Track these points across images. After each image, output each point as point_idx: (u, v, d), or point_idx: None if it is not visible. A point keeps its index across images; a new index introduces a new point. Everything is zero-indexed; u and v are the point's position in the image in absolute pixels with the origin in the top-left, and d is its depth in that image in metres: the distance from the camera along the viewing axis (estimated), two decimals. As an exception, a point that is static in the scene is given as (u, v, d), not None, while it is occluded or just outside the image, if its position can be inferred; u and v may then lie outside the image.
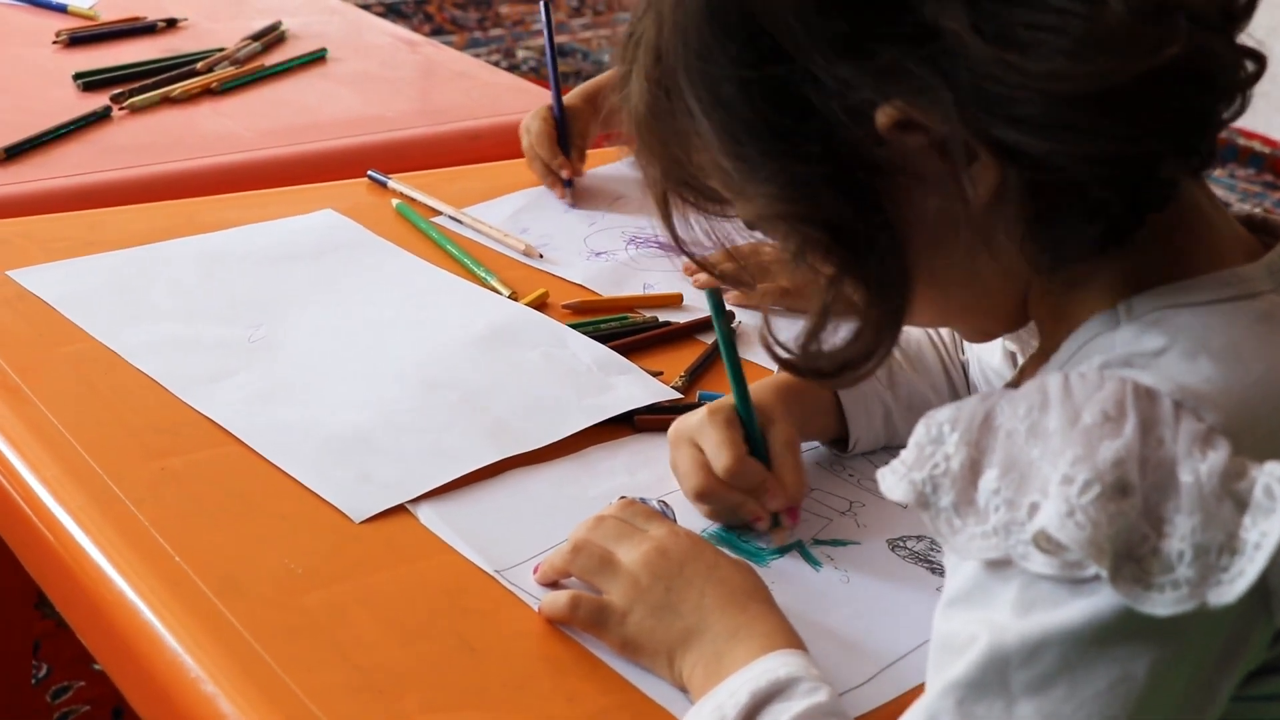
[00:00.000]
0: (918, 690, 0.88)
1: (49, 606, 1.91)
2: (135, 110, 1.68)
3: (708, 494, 0.99)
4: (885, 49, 0.65)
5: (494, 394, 1.13)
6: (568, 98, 1.55)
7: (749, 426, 1.00)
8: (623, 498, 0.97)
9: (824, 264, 0.72)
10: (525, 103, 1.86)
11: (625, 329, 1.27)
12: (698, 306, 1.33)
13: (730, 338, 1.03)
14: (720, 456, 0.97)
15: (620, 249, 1.43)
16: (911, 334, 1.14)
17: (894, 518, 1.04)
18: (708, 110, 0.70)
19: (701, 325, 1.29)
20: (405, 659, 0.86)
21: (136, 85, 1.71)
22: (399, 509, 0.99)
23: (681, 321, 1.29)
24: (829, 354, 0.74)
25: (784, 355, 0.76)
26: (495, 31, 4.46)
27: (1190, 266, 0.71)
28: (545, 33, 1.59)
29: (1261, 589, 0.61)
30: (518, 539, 0.97)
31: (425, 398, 1.11)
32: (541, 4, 1.50)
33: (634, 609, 0.87)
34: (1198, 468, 0.60)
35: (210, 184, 1.53)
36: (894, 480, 0.66)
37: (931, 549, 1.01)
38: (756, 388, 1.04)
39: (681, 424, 1.01)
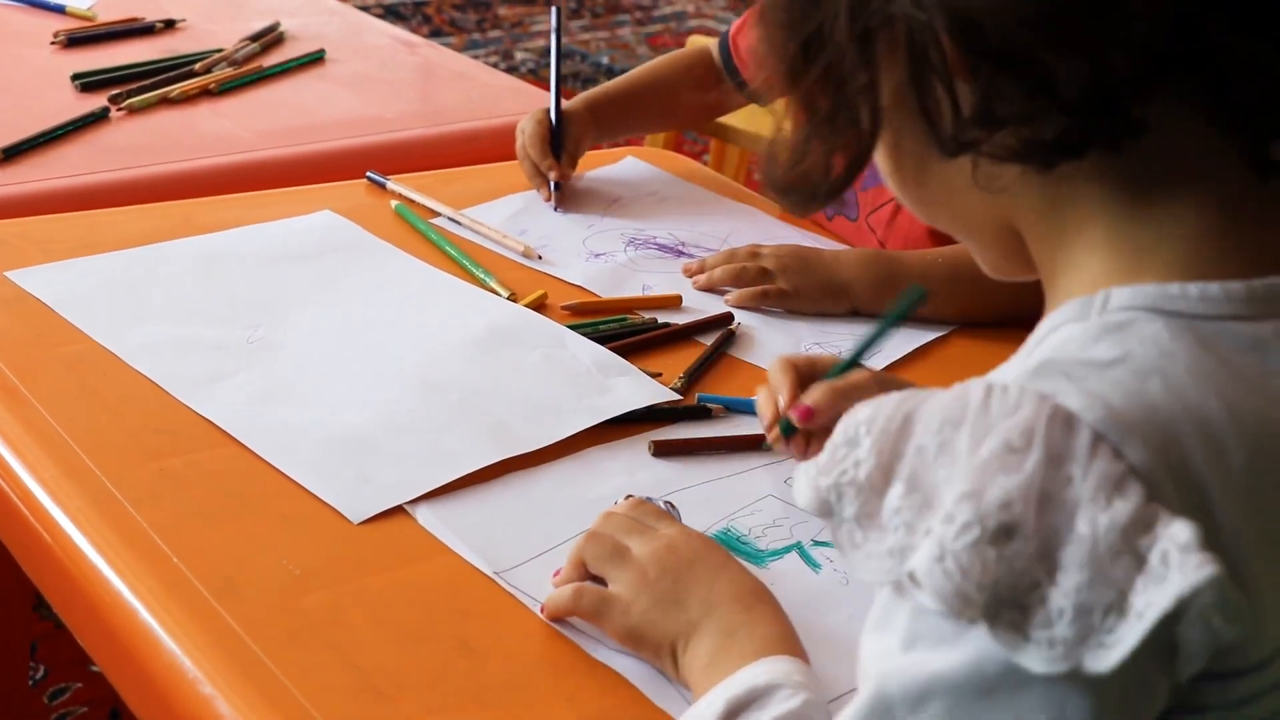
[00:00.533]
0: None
1: (46, 608, 1.90)
2: (133, 111, 1.67)
3: (759, 399, 1.03)
4: None
5: (493, 395, 1.12)
6: (569, 103, 1.54)
7: (840, 368, 1.02)
8: (629, 496, 0.97)
9: (794, 88, 0.68)
10: (524, 104, 1.85)
11: (624, 330, 1.27)
12: (697, 308, 1.33)
13: (893, 321, 1.04)
14: (779, 358, 1.03)
15: (619, 250, 1.43)
16: None
17: None
18: None
19: (700, 327, 1.29)
20: (404, 661, 0.86)
21: (135, 86, 1.71)
22: (397, 510, 0.99)
23: (681, 323, 1.29)
24: (791, 175, 0.70)
25: (766, 170, 0.72)
26: (494, 33, 4.46)
27: (1208, 271, 0.62)
28: (553, 36, 1.56)
29: (1166, 643, 0.55)
30: (516, 541, 0.97)
31: (424, 398, 1.11)
32: (553, 9, 1.49)
33: (639, 599, 0.87)
34: (1097, 518, 0.55)
35: (208, 185, 1.53)
36: (801, 483, 0.61)
37: None
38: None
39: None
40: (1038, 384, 0.58)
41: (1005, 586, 0.54)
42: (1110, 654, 0.54)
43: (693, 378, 1.20)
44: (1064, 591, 0.54)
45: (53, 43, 1.85)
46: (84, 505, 0.97)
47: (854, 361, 1.03)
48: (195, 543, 0.94)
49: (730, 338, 1.28)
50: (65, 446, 1.02)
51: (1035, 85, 0.60)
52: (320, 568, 0.93)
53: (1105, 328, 0.61)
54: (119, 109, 1.67)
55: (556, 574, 0.93)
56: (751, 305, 1.33)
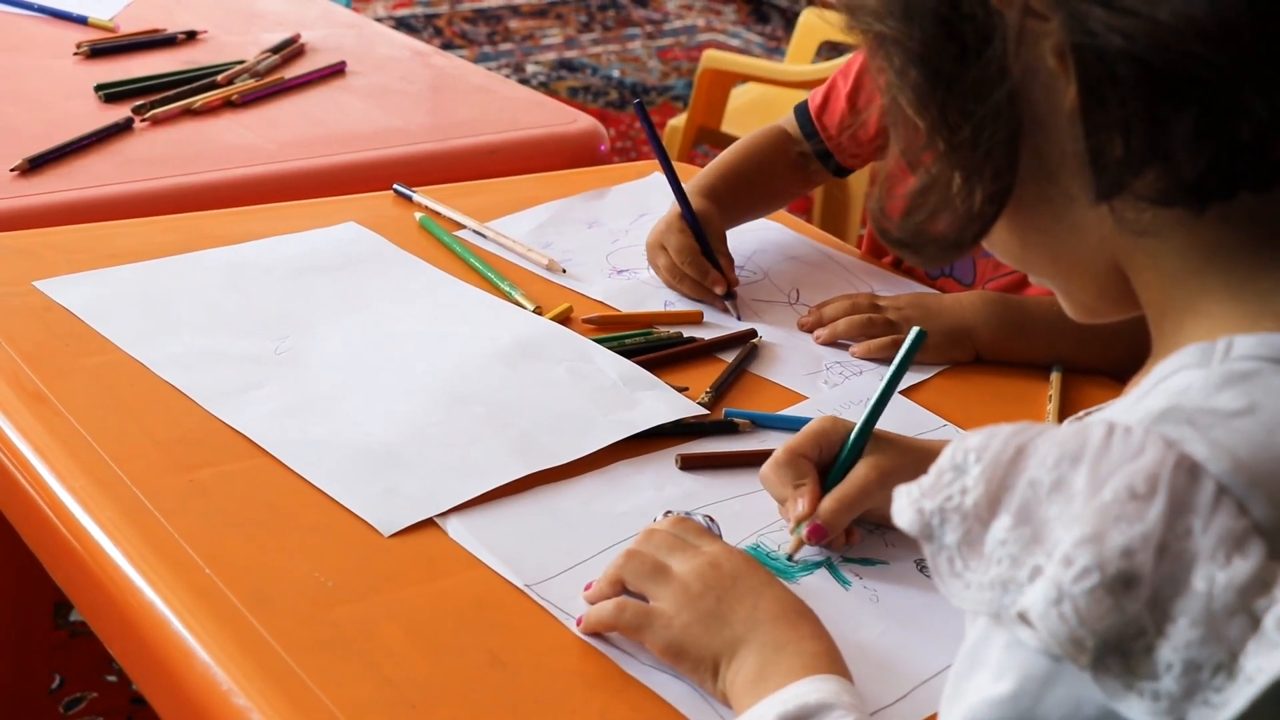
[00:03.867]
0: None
1: (63, 616, 1.91)
2: (157, 122, 1.68)
3: (764, 475, 1.04)
4: None
5: (520, 408, 1.13)
6: (693, 203, 1.39)
7: (849, 445, 1.02)
8: (669, 513, 0.97)
9: (926, 128, 0.65)
10: (541, 117, 1.87)
11: (649, 345, 1.27)
12: (718, 324, 1.33)
13: (901, 370, 1.04)
14: (783, 445, 1.02)
15: (642, 267, 1.43)
16: None
17: None
18: None
19: (724, 343, 1.29)
20: (436, 673, 0.86)
21: (158, 97, 1.71)
22: (426, 523, 0.99)
23: (706, 339, 1.29)
24: (913, 225, 0.67)
25: (880, 220, 0.70)
26: (505, 46, 4.47)
27: None
28: (648, 135, 1.39)
29: (1273, 709, 0.54)
30: (547, 554, 0.97)
31: (451, 411, 1.11)
32: (635, 103, 1.44)
33: (681, 614, 0.87)
34: (1214, 575, 0.53)
35: (232, 196, 1.54)
36: (904, 503, 0.60)
37: None
38: (918, 440, 1.07)
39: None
40: (1161, 429, 0.56)
41: (1114, 633, 0.54)
42: (1216, 714, 0.53)
43: (719, 392, 1.20)
44: (1174, 645, 0.54)
45: (76, 54, 1.85)
46: (115, 515, 0.97)
47: (868, 428, 1.02)
48: (226, 554, 0.94)
49: (753, 353, 1.28)
50: (95, 456, 1.02)
51: (1213, 122, 0.58)
52: (351, 579, 0.93)
53: (1229, 377, 0.59)
54: (142, 120, 1.67)
55: (588, 587, 0.93)
56: (879, 357, 1.30)
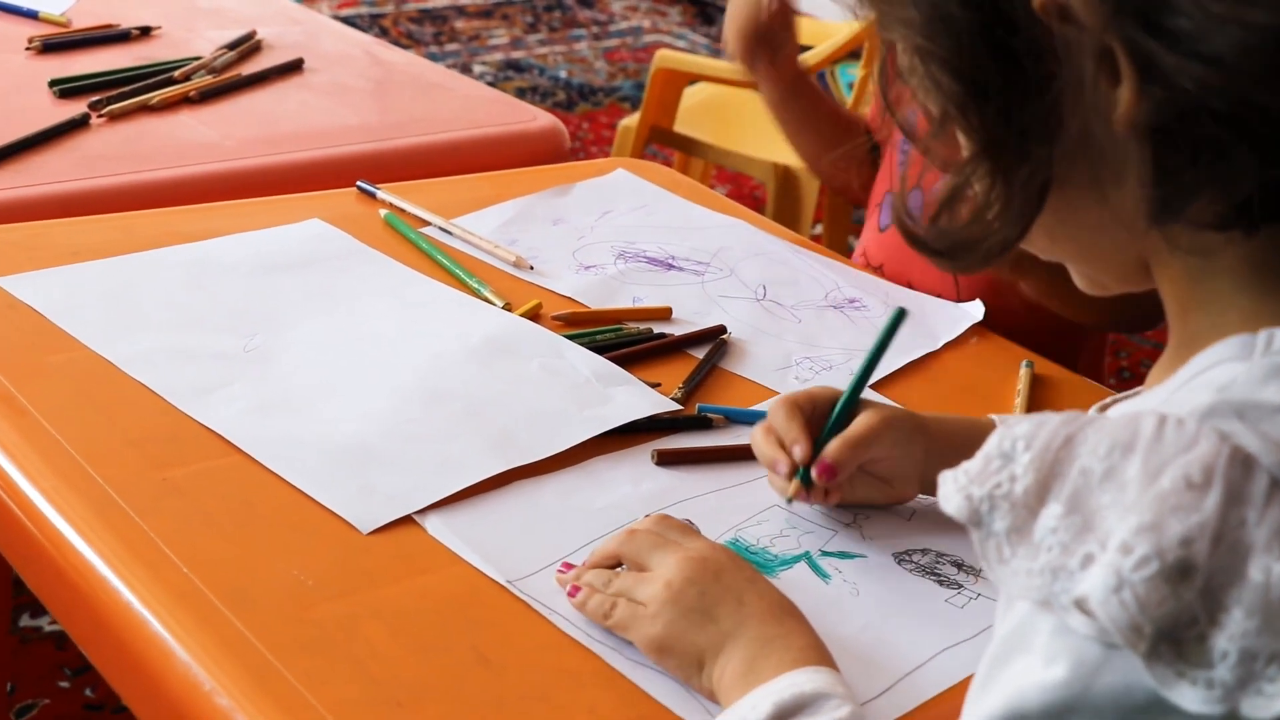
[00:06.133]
0: (934, 702, 0.89)
1: (13, 622, 1.88)
2: (114, 118, 1.65)
3: (757, 432, 1.04)
4: None
5: (495, 404, 1.12)
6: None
7: (840, 407, 1.03)
8: (648, 515, 0.97)
9: (964, 134, 0.65)
10: (501, 114, 1.86)
11: (619, 341, 1.27)
12: (687, 320, 1.33)
13: (883, 346, 1.06)
14: (776, 399, 1.04)
15: (609, 263, 1.43)
16: None
17: (899, 531, 1.05)
18: None
19: (694, 339, 1.29)
20: (422, 671, 0.86)
21: (115, 93, 1.69)
22: (404, 520, 0.99)
23: (676, 334, 1.29)
24: (948, 231, 0.68)
25: (909, 225, 0.70)
26: (451, 46, 4.45)
27: None
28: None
29: None
30: (528, 550, 0.97)
31: (427, 408, 1.10)
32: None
33: (665, 611, 0.87)
34: (1271, 567, 0.55)
35: (193, 193, 1.52)
36: (950, 490, 0.61)
37: (937, 562, 1.01)
38: (928, 415, 1.07)
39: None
40: (1212, 421, 0.57)
41: (1169, 621, 0.55)
42: (1271, 704, 0.54)
43: (691, 388, 1.20)
44: (1229, 635, 0.55)
45: (28, 48, 1.82)
46: (88, 515, 0.95)
47: (854, 396, 1.04)
48: (204, 553, 0.93)
49: (722, 349, 1.28)
50: (65, 455, 1.01)
51: (1273, 150, 0.59)
52: (331, 578, 0.92)
53: (1273, 370, 0.60)
54: (100, 115, 1.65)
55: (563, 569, 0.94)
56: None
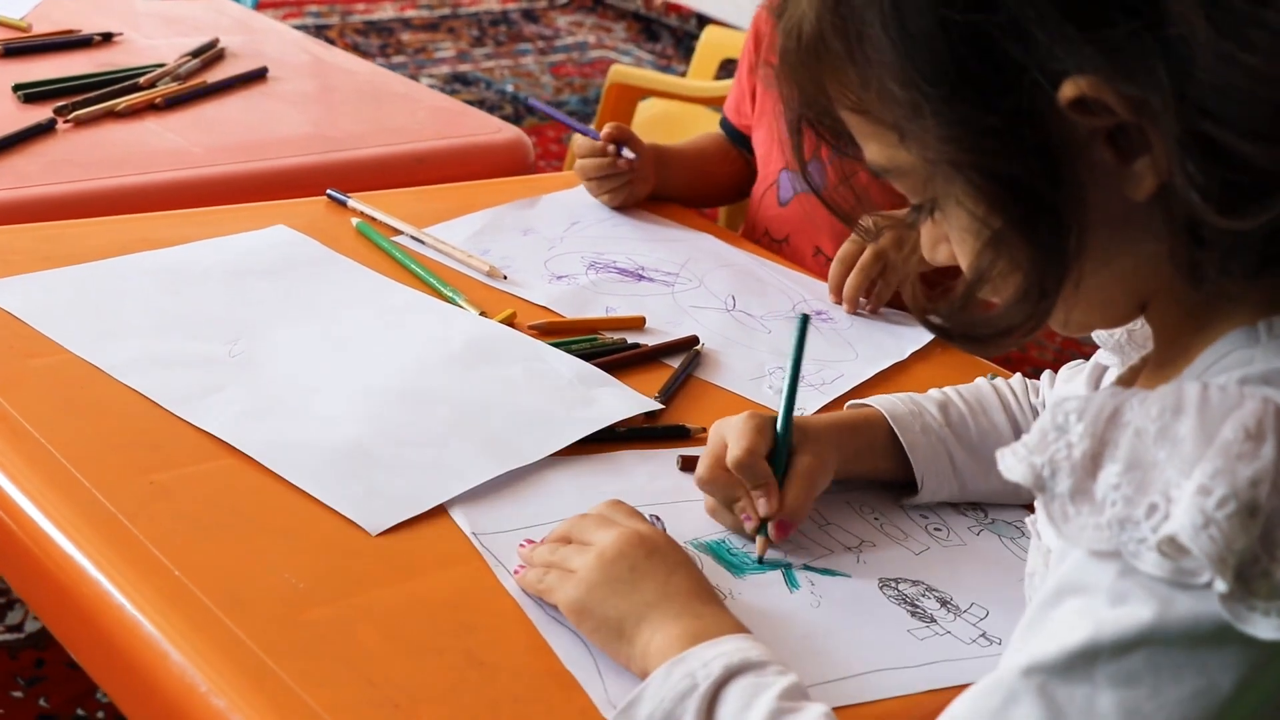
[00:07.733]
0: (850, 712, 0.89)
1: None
2: (80, 123, 1.65)
3: (712, 479, 1.03)
4: (1120, 20, 0.63)
5: (485, 408, 1.13)
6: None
7: (780, 439, 1.03)
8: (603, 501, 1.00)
9: (991, 217, 0.69)
10: (466, 126, 1.86)
11: (595, 350, 1.28)
12: (660, 330, 1.35)
13: (800, 356, 1.07)
14: (736, 446, 1.02)
15: (580, 273, 1.44)
16: (981, 385, 1.17)
17: (897, 561, 1.05)
18: (895, 40, 0.67)
19: (669, 349, 1.30)
20: (416, 674, 0.86)
21: (79, 99, 1.68)
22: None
23: (650, 344, 1.30)
24: (983, 320, 0.73)
25: (937, 321, 0.75)
26: (398, 59, 4.45)
27: None
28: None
29: None
30: (499, 510, 1.01)
31: (417, 412, 1.11)
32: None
33: (590, 575, 0.90)
34: None
35: (162, 199, 1.51)
36: (1013, 460, 0.67)
37: (922, 595, 1.01)
38: (816, 417, 1.09)
39: (723, 420, 1.06)
40: (1248, 388, 0.65)
41: (1246, 556, 0.61)
42: None
43: (669, 396, 1.22)
44: None
45: (-11, 52, 1.81)
46: (76, 519, 0.95)
47: (789, 422, 1.04)
48: (195, 556, 0.93)
49: (696, 359, 1.30)
50: (51, 460, 1.00)
51: None
52: (322, 582, 0.93)
53: None
54: (66, 121, 1.64)
55: (523, 545, 0.97)
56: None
